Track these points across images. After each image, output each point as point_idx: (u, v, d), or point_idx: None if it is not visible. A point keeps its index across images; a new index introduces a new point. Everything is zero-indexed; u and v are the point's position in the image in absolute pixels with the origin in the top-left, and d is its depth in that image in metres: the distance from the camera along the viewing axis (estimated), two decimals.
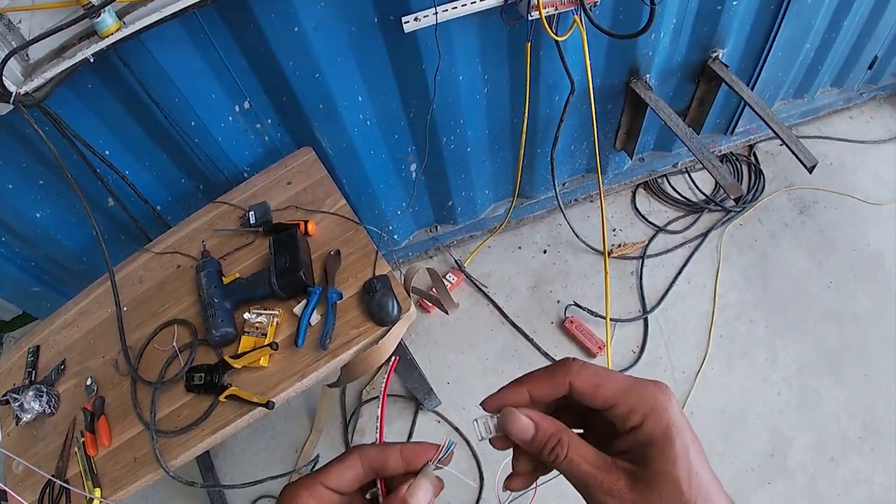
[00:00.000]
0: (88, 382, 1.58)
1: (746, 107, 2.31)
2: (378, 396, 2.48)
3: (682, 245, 2.75)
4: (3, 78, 1.30)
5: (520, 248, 2.83)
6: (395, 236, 2.60)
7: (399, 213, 2.43)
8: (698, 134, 2.23)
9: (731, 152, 2.98)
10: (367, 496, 0.52)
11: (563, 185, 2.74)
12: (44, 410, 1.54)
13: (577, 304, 2.54)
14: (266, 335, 1.50)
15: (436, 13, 1.60)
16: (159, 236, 1.85)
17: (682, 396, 2.35)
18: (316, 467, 2.31)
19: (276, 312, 1.53)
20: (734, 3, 2.00)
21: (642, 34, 1.74)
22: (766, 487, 2.17)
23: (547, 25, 1.68)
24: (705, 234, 2.75)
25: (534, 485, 1.82)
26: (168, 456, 1.41)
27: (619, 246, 2.74)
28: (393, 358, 0.59)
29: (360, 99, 1.86)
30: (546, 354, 2.49)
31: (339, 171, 2.06)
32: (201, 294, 1.58)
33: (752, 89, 2.30)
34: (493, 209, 2.73)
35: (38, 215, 1.83)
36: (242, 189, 1.88)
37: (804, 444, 2.24)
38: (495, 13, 1.72)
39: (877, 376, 2.34)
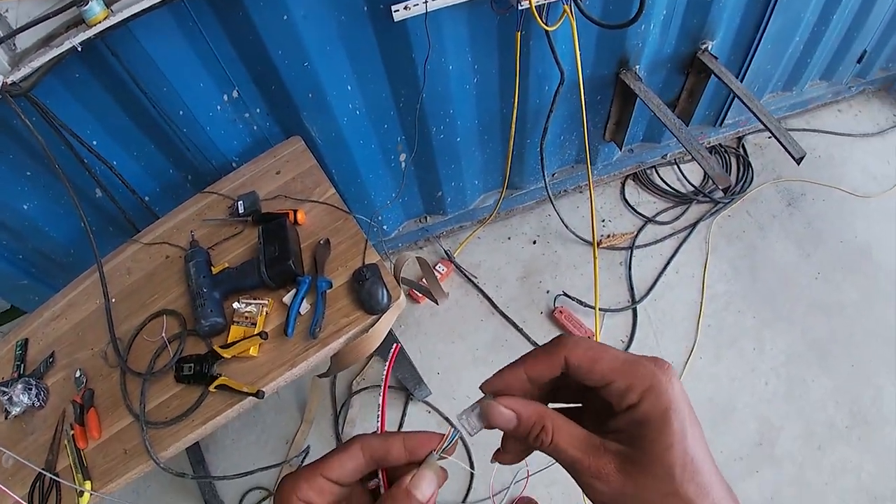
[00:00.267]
0: (77, 375, 1.57)
1: (735, 99, 2.32)
2: (368, 387, 2.48)
3: (670, 236, 2.76)
4: None
5: (509, 238, 2.84)
6: (385, 227, 2.60)
7: (388, 203, 2.42)
8: (687, 126, 2.23)
9: (719, 144, 3.00)
10: (369, 486, 0.50)
11: (553, 175, 2.74)
12: (33, 403, 1.53)
13: (566, 295, 2.55)
14: (255, 325, 1.49)
15: (426, 2, 1.59)
16: (147, 227, 1.84)
17: None
18: (306, 458, 2.32)
19: (266, 302, 1.52)
20: None
21: (632, 24, 1.74)
22: (754, 476, 2.19)
23: (537, 15, 1.68)
24: (694, 225, 2.77)
25: (526, 474, 1.82)
26: (158, 447, 1.40)
27: (609, 236, 2.75)
28: (395, 345, 0.58)
29: (349, 88, 1.85)
30: (535, 344, 2.49)
31: (329, 160, 2.05)
32: (190, 284, 1.57)
33: (741, 81, 2.31)
34: (482, 200, 2.73)
35: (25, 207, 1.81)
36: (231, 179, 1.87)
37: (792, 433, 2.26)
38: (485, 2, 1.71)
39: (863, 366, 2.37)
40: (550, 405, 0.51)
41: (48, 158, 1.44)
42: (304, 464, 2.20)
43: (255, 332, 1.46)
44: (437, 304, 1.86)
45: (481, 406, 0.48)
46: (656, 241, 2.75)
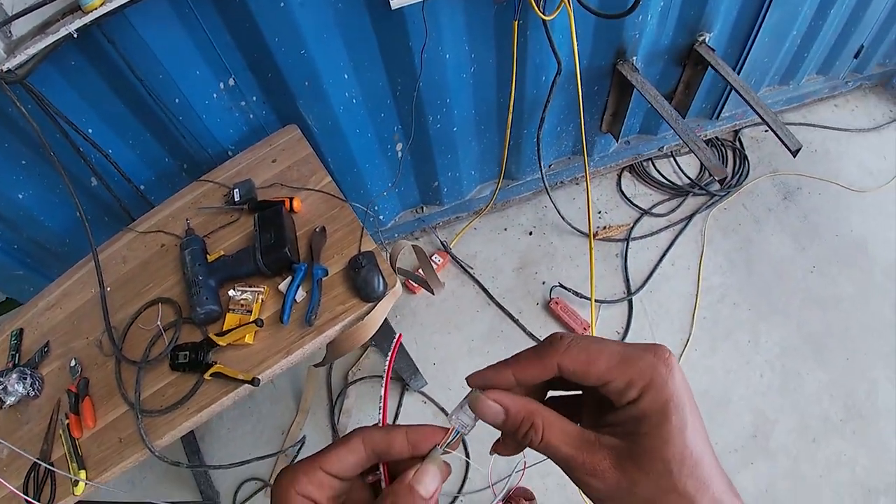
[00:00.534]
0: (72, 364, 1.56)
1: (732, 92, 2.32)
2: (365, 377, 2.49)
3: (666, 228, 2.77)
4: None
5: (505, 229, 2.84)
6: (381, 217, 2.60)
7: (384, 192, 2.42)
8: (684, 118, 2.23)
9: (716, 137, 3.00)
10: (368, 480, 0.49)
11: (549, 166, 2.74)
12: (28, 393, 1.52)
13: (562, 286, 2.55)
14: (251, 312, 1.49)
15: None
16: (143, 215, 1.83)
17: None
18: (302, 448, 2.32)
19: (262, 289, 1.52)
20: None
21: (629, 14, 1.74)
22: (749, 468, 2.20)
23: (534, 4, 1.68)
24: (690, 218, 2.77)
25: (522, 466, 1.82)
26: (153, 436, 1.39)
27: (605, 228, 2.76)
28: (397, 336, 0.57)
29: (345, 76, 1.84)
30: (531, 335, 2.50)
31: (325, 149, 2.04)
32: (186, 272, 1.56)
33: (738, 74, 2.31)
34: (479, 190, 2.73)
35: (20, 196, 1.80)
36: (227, 167, 1.86)
37: (787, 426, 2.27)
38: None
39: (858, 360, 2.38)
40: (550, 393, 0.50)
41: (43, 146, 1.44)
42: (299, 454, 2.19)
43: (251, 320, 1.46)
44: (433, 294, 1.86)
45: (469, 399, 0.47)
46: (652, 233, 2.75)
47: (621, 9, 1.75)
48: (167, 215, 1.79)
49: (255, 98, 1.85)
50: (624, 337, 2.49)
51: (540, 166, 2.32)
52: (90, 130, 1.66)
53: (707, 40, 2.21)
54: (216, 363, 1.42)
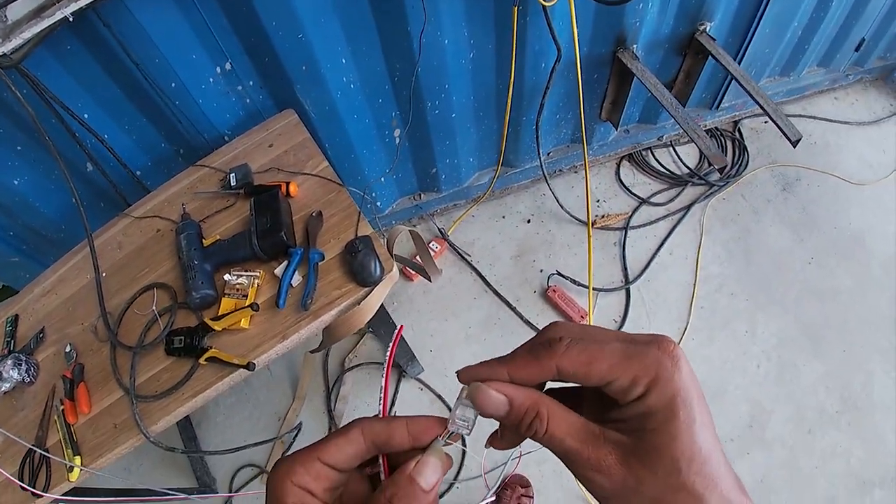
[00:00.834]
0: (67, 350, 1.55)
1: (732, 82, 2.32)
2: (361, 364, 2.48)
3: (665, 217, 2.76)
4: None
5: (504, 217, 2.83)
6: (379, 203, 2.58)
7: (382, 178, 2.41)
8: (684, 107, 2.22)
9: (715, 128, 3.00)
10: (367, 472, 0.48)
11: (548, 154, 2.73)
12: (23, 379, 1.52)
13: (560, 274, 2.55)
14: (247, 297, 1.48)
15: None
16: (139, 201, 1.82)
17: None
18: (298, 435, 2.32)
19: (257, 274, 1.51)
20: None
21: (630, 1, 1.73)
22: (744, 458, 2.21)
23: None
24: (688, 208, 2.77)
25: (518, 453, 1.82)
26: (148, 421, 1.39)
27: (603, 217, 2.75)
28: (399, 326, 0.55)
29: (343, 61, 1.83)
30: (529, 323, 2.50)
31: (322, 135, 2.03)
32: (181, 257, 1.55)
33: (738, 64, 2.30)
34: (477, 177, 2.72)
35: (15, 182, 1.79)
36: (223, 152, 1.85)
37: (783, 417, 2.27)
38: None
39: (855, 352, 2.38)
40: (549, 384, 0.48)
41: (39, 131, 1.42)
42: (296, 440, 2.19)
43: (247, 304, 1.45)
44: (430, 281, 1.86)
45: (469, 390, 0.45)
46: (650, 223, 2.75)
47: None
48: (163, 200, 1.78)
49: (251, 82, 1.83)
50: (621, 326, 2.49)
51: (539, 154, 2.31)
52: (86, 115, 1.65)
53: (708, 29, 2.20)
54: (211, 348, 1.41)
